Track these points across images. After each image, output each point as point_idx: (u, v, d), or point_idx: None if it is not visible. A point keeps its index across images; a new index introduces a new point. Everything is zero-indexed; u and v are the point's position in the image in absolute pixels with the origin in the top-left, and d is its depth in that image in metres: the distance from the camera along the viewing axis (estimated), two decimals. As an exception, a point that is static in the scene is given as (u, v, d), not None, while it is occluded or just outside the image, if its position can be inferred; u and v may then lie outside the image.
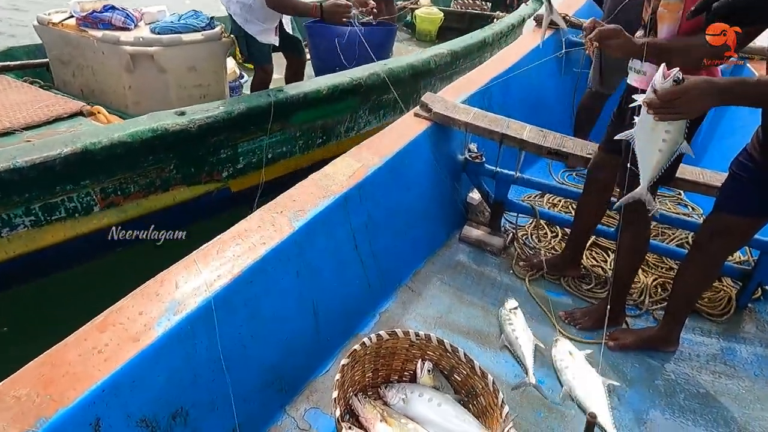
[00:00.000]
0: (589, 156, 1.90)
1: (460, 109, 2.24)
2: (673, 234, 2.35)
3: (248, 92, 3.61)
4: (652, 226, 1.81)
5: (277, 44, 2.65)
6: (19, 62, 2.84)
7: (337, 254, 1.68)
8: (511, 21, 4.62)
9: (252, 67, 2.86)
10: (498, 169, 2.19)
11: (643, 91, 1.20)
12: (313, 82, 2.67)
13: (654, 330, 1.73)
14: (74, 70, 2.67)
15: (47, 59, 2.86)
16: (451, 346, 1.38)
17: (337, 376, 1.22)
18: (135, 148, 1.99)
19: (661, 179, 1.33)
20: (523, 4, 5.15)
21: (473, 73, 2.86)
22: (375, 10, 2.90)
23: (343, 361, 1.26)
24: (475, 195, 2.38)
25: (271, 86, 2.75)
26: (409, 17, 5.87)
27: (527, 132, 2.08)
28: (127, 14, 2.54)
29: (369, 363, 1.41)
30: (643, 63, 1.43)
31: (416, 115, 2.29)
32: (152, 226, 2.14)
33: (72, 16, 2.57)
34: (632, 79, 1.54)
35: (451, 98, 2.39)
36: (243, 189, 2.63)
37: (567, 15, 3.17)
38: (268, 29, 2.56)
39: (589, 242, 2.16)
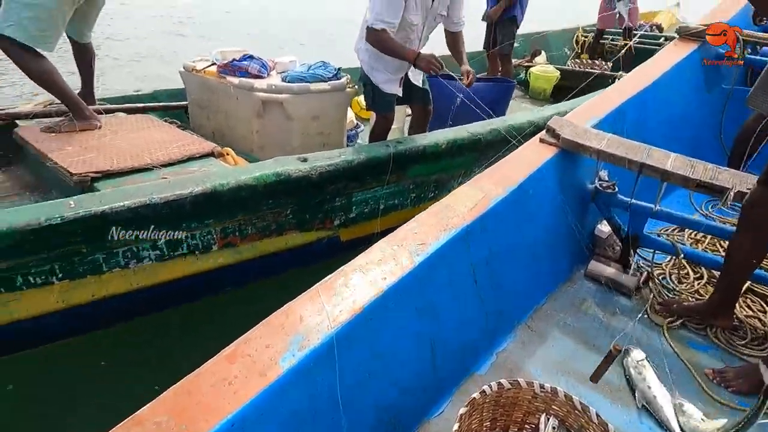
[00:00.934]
0: (748, 191, 1.61)
1: (591, 135, 2.03)
2: None
3: (362, 141, 3.67)
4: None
5: (401, 95, 2.63)
6: (161, 104, 3.08)
7: (455, 289, 1.55)
8: None
9: (368, 117, 2.88)
10: (633, 201, 1.94)
11: None
12: (432, 136, 2.61)
13: None
14: (209, 113, 2.83)
15: (186, 102, 3.08)
16: (581, 403, 1.18)
17: (455, 426, 1.11)
18: (258, 191, 2.00)
19: None
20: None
21: (604, 94, 2.62)
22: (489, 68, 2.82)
23: (462, 410, 1.14)
24: (603, 227, 2.13)
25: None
26: (522, 74, 5.79)
27: (672, 161, 1.81)
28: (263, 63, 2.66)
29: (488, 412, 1.27)
30: None
31: (542, 140, 2.10)
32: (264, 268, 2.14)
33: (213, 64, 2.74)
34: None
35: (580, 122, 2.19)
36: (352, 238, 2.58)
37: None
38: (394, 79, 2.56)
39: (744, 288, 1.82)
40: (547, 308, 1.84)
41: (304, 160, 2.16)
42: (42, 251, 1.64)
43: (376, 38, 2.36)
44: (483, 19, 4.80)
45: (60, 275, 1.74)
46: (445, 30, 2.70)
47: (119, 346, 2.05)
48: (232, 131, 2.71)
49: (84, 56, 2.68)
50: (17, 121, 2.47)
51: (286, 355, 1.08)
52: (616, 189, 2.02)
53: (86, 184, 1.92)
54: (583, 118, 2.31)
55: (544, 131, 2.13)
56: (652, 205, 1.91)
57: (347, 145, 3.01)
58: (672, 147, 1.96)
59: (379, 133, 2.72)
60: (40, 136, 2.28)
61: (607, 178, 2.07)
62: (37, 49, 2.26)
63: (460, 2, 2.61)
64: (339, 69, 2.78)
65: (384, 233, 2.58)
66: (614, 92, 2.64)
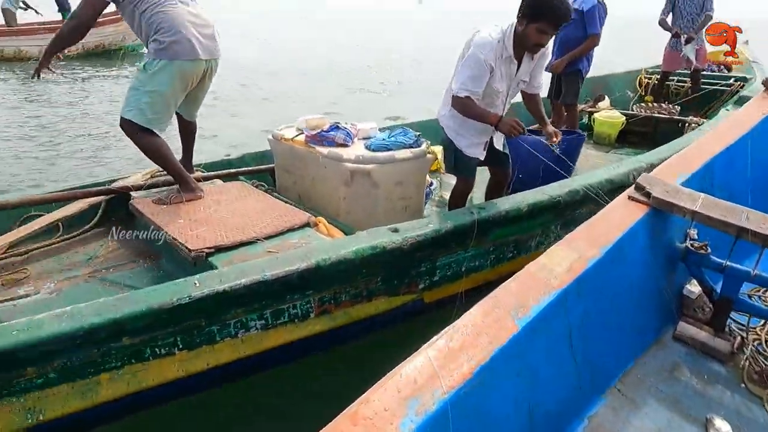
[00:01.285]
0: None
1: (683, 195, 2.00)
2: None
3: (436, 197, 3.77)
4: None
5: (482, 158, 2.72)
6: (250, 168, 3.30)
7: (552, 352, 1.57)
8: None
9: (437, 168, 2.96)
10: (728, 263, 1.90)
11: None
12: (513, 201, 2.66)
13: None
14: (296, 178, 3.01)
15: (271, 165, 3.29)
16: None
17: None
18: (356, 263, 2.11)
19: None
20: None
21: (691, 149, 2.58)
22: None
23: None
24: (693, 287, 2.08)
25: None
26: (584, 119, 5.77)
27: None
28: (348, 133, 2.83)
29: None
30: None
31: (630, 198, 2.09)
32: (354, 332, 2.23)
33: (301, 133, 2.93)
34: None
35: (669, 178, 2.18)
36: (434, 300, 2.65)
37: None
38: (478, 143, 2.65)
39: None
40: (637, 372, 1.82)
41: (396, 230, 2.27)
42: (169, 326, 1.80)
43: (461, 105, 2.48)
44: (547, 70, 4.85)
45: (180, 346, 1.89)
46: (523, 92, 2.79)
47: (228, 407, 2.18)
48: (319, 196, 2.87)
49: (188, 130, 2.95)
50: (132, 193, 2.72)
51: (405, 421, 1.12)
52: (709, 250, 1.99)
53: (201, 259, 2.09)
54: (671, 174, 2.29)
55: (632, 188, 2.13)
56: (749, 269, 1.87)
57: (424, 203, 3.12)
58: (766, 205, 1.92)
59: (459, 197, 2.81)
60: (153, 208, 2.51)
61: (697, 237, 2.04)
62: (150, 128, 2.52)
63: (541, 68, 2.71)
64: (419, 135, 2.90)
65: (463, 294, 2.66)
66: (701, 146, 2.61)
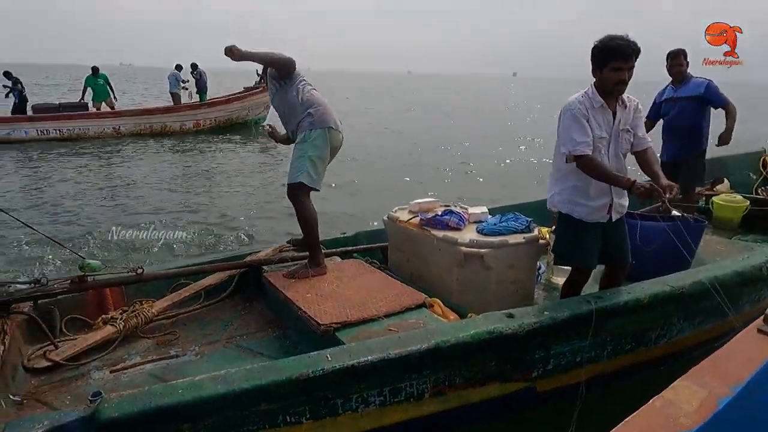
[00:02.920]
0: None
1: None
2: None
3: (544, 280, 3.73)
4: None
5: (605, 221, 2.63)
6: (364, 246, 3.53)
7: None
8: None
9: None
10: None
11: None
12: (632, 291, 2.60)
13: None
14: (409, 257, 3.18)
15: (384, 243, 3.50)
16: None
17: None
18: (472, 347, 2.17)
19: None
20: None
21: None
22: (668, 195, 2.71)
23: None
24: None
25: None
26: (701, 202, 5.47)
27: None
28: (460, 217, 2.97)
29: None
30: None
31: (760, 331, 1.95)
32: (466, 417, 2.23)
33: (416, 216, 3.12)
34: None
35: None
36: (547, 389, 2.58)
37: None
38: (599, 207, 2.57)
39: None
40: None
41: (511, 315, 2.31)
42: (302, 396, 1.95)
43: (587, 164, 2.45)
44: (719, 144, 4.73)
45: (308, 416, 2.02)
46: (634, 152, 2.71)
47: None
48: (432, 275, 3.00)
49: None
50: (263, 267, 3.04)
51: None
52: None
53: (329, 334, 2.27)
54: None
55: (761, 320, 2.01)
56: None
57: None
58: None
59: (573, 287, 2.78)
60: (284, 282, 2.78)
61: None
62: (315, 188, 2.90)
63: (640, 121, 2.66)
64: (530, 221, 2.97)
65: (577, 385, 2.57)
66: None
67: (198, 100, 15.90)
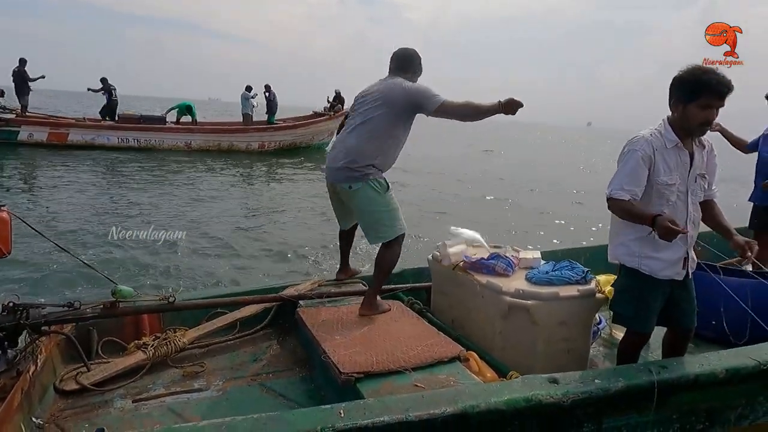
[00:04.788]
0: None
1: None
2: None
3: (605, 334, 3.37)
4: None
5: (681, 279, 2.32)
6: (407, 285, 3.35)
7: None
8: None
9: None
10: None
11: None
12: (706, 362, 2.24)
13: None
14: (452, 302, 2.97)
15: (429, 284, 3.30)
16: None
17: None
18: (506, 415, 1.93)
19: None
20: None
21: None
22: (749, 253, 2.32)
23: None
24: None
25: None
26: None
27: None
28: (509, 263, 2.74)
29: None
30: None
31: None
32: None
33: (462, 259, 2.92)
34: None
35: None
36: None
37: None
38: (674, 261, 2.26)
39: None
40: None
41: (555, 381, 2.04)
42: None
43: (616, 206, 2.23)
44: (750, 200, 4.25)
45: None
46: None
47: None
48: (473, 324, 2.77)
49: (350, 239, 3.25)
50: (300, 301, 2.95)
51: None
52: None
53: (349, 384, 2.11)
54: None
55: None
56: None
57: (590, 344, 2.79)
58: None
59: (631, 350, 2.44)
60: (315, 320, 2.67)
61: None
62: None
63: (714, 165, 2.36)
64: (587, 271, 2.68)
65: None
66: None
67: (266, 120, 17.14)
